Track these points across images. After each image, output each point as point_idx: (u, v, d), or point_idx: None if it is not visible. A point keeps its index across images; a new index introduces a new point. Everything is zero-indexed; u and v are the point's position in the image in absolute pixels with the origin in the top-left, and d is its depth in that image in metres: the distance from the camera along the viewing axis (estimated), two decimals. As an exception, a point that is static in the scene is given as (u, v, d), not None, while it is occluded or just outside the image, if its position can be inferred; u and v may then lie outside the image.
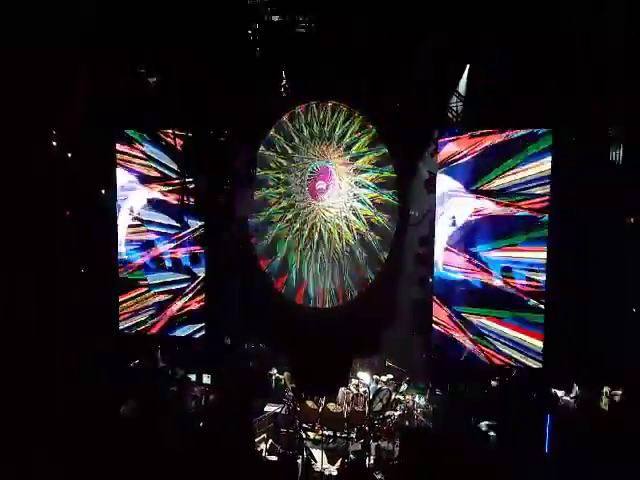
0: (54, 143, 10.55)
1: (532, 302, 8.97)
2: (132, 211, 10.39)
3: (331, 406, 9.51)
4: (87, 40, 9.41)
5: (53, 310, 9.95)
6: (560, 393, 8.88)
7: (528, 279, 8.99)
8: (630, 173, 8.85)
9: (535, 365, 9.04)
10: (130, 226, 10.41)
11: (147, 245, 10.33)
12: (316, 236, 10.06)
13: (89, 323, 10.29)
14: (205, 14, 9.14)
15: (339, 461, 9.03)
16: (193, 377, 10.06)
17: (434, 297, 9.50)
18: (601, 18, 8.42)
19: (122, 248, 10.45)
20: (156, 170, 10.13)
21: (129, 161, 10.33)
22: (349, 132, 9.80)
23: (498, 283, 9.13)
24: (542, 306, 8.93)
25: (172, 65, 9.43)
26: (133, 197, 10.39)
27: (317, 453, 9.11)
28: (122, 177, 10.42)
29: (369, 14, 8.95)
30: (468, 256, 9.26)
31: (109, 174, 10.48)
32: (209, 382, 9.91)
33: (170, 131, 9.75)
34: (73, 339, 9.80)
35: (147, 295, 10.43)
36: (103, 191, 10.71)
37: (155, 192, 10.20)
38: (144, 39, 9.45)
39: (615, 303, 8.85)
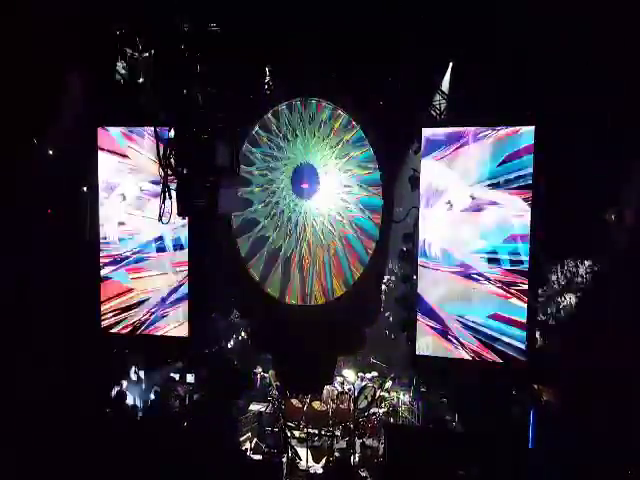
0: (35, 141, 10.45)
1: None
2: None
3: (316, 404, 9.53)
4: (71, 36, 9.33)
5: (33, 310, 9.85)
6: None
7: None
8: (614, 169, 8.94)
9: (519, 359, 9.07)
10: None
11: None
12: (301, 234, 10.03)
13: (71, 322, 10.21)
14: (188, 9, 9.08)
15: (324, 459, 9.04)
16: (177, 377, 10.02)
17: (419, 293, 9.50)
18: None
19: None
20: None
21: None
22: (333, 130, 9.77)
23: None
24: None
25: (154, 59, 9.36)
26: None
27: (302, 451, 9.12)
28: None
29: (353, 12, 8.94)
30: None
31: (91, 171, 10.40)
32: (193, 381, 9.86)
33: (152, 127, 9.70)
34: (55, 339, 9.72)
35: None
36: (85, 189, 10.63)
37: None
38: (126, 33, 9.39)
39: (598, 295, 8.96)
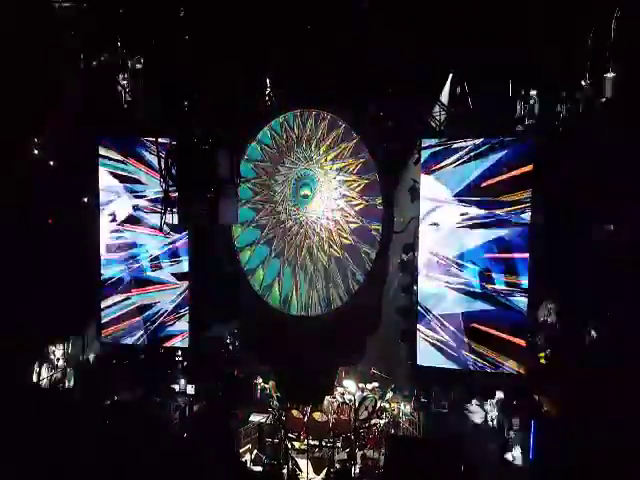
0: (36, 151, 10.47)
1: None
2: (115, 218, 10.30)
3: (316, 415, 9.47)
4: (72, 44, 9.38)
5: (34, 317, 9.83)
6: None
7: (507, 284, 9.02)
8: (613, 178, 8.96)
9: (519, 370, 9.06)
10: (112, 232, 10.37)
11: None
12: (301, 244, 10.04)
13: (71, 332, 10.21)
14: (189, 22, 9.14)
15: (325, 470, 9.00)
16: (177, 388, 9.98)
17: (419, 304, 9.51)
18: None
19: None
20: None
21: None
22: (332, 139, 9.81)
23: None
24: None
25: (155, 70, 9.42)
26: (117, 203, 10.32)
27: (302, 463, 9.07)
28: (105, 180, 10.37)
29: (354, 23, 9.01)
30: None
31: (91, 181, 10.42)
32: (193, 393, 9.82)
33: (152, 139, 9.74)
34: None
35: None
36: (85, 199, 10.65)
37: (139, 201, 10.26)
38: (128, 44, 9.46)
39: (597, 305, 8.94)
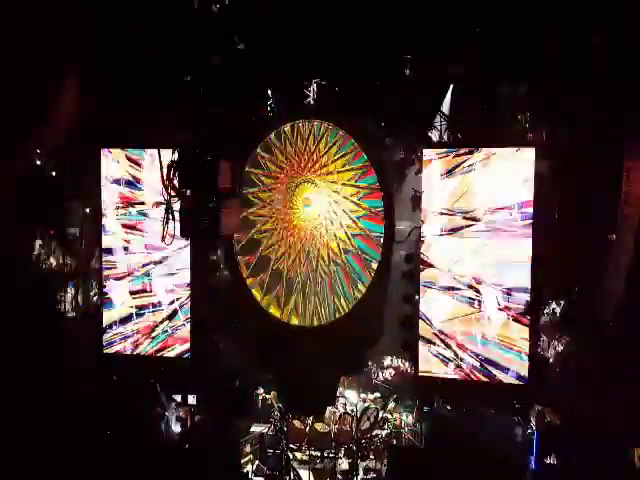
0: (38, 162, 10.50)
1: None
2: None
3: (318, 425, 9.45)
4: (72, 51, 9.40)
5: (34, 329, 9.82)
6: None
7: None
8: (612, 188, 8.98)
9: (520, 382, 9.03)
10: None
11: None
12: (301, 253, 10.04)
13: (72, 342, 10.20)
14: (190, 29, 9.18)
15: (327, 481, 8.97)
16: (178, 398, 9.95)
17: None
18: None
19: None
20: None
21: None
22: (334, 149, 9.84)
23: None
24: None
25: (156, 80, 9.44)
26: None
27: (304, 473, 9.05)
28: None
29: (356, 32, 9.06)
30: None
31: (94, 192, 10.43)
32: (195, 403, 9.80)
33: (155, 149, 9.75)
34: (54, 358, 9.68)
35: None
36: (88, 210, 10.66)
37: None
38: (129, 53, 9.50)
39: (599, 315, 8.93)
